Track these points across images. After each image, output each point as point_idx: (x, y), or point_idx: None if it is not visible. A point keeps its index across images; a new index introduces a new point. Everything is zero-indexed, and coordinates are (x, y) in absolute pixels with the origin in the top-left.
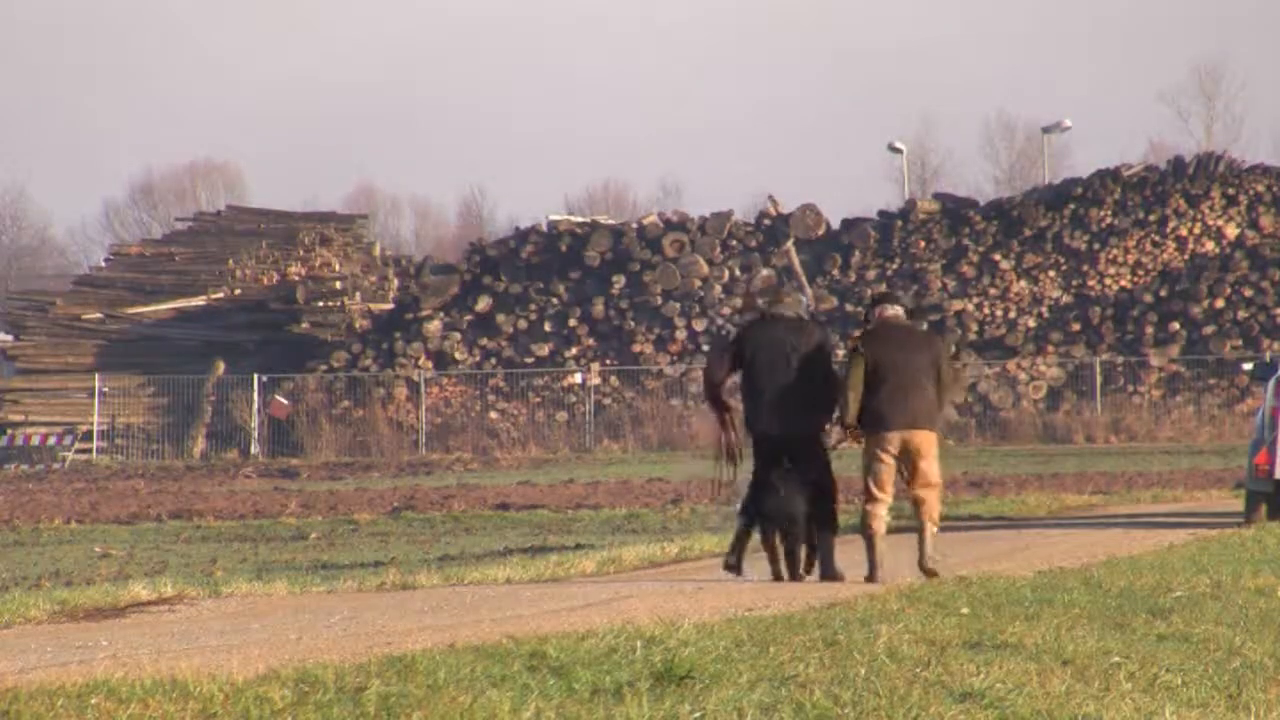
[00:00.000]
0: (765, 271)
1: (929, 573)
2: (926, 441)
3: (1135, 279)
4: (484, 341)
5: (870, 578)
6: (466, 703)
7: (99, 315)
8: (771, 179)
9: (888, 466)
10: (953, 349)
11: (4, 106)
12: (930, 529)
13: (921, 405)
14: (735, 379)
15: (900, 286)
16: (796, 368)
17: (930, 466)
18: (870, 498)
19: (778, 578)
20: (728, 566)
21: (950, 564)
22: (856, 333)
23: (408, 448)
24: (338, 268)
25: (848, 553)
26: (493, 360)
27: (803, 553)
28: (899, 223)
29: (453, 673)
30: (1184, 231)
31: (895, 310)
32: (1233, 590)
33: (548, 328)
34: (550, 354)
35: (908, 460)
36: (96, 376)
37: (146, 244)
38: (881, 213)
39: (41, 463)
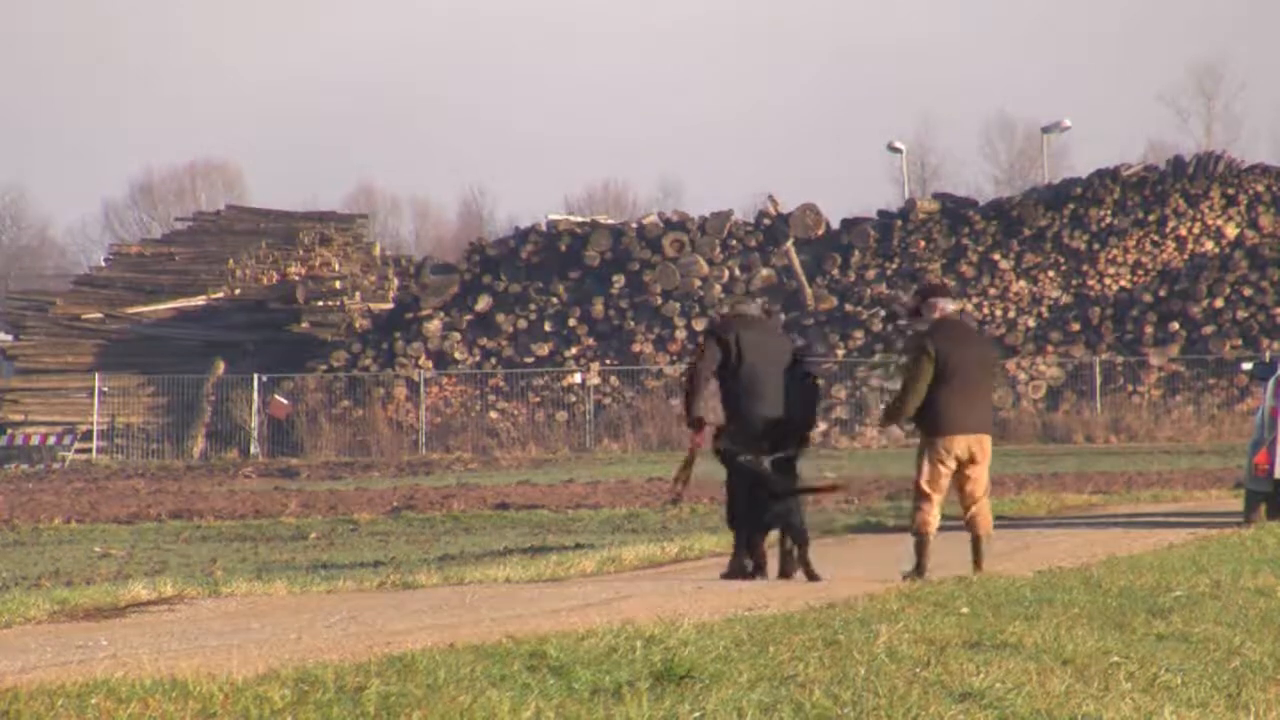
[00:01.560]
0: (765, 271)
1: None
2: (987, 446)
3: (1135, 279)
4: (484, 341)
5: (916, 574)
6: (466, 703)
7: (99, 315)
8: (771, 179)
9: (947, 469)
10: None
11: (4, 106)
12: (986, 540)
13: (986, 408)
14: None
15: (900, 286)
16: (784, 365)
17: (984, 474)
18: (923, 496)
19: (751, 575)
20: (741, 573)
21: (950, 565)
22: (906, 324)
23: (408, 447)
24: (337, 267)
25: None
26: (493, 360)
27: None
28: (899, 223)
29: (453, 672)
30: (1183, 231)
31: (953, 305)
32: (1232, 590)
33: (548, 328)
34: (550, 354)
35: (964, 464)
36: (96, 376)
37: (146, 244)
38: (881, 213)
39: (41, 462)
